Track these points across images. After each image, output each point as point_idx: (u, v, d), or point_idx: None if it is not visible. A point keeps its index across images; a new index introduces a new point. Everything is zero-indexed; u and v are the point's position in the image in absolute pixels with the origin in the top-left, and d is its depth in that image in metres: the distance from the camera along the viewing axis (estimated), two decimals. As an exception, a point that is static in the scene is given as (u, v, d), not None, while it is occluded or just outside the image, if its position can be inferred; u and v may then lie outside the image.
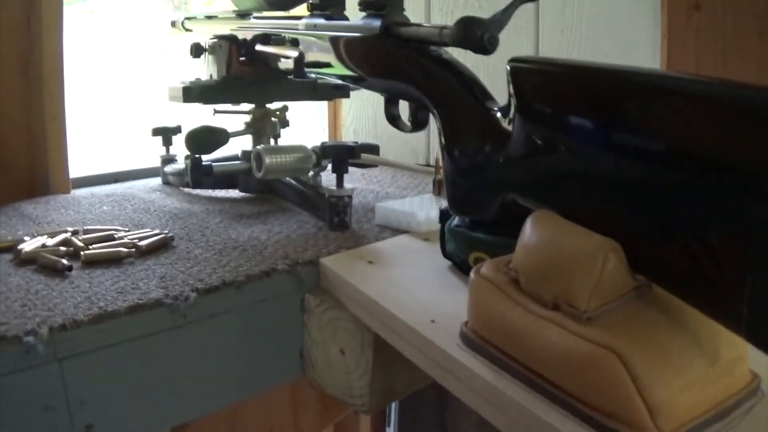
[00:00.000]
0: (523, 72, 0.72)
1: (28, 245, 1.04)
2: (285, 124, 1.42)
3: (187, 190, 1.48)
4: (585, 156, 0.66)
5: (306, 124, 2.11)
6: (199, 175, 1.28)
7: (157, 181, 1.62)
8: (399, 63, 0.89)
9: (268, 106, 1.39)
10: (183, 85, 1.29)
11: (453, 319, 0.78)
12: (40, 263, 0.98)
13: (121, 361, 0.83)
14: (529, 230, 0.68)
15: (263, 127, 1.39)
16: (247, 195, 1.42)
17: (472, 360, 0.71)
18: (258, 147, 1.12)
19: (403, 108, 0.99)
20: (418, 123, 0.96)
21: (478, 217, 0.84)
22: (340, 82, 1.10)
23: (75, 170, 1.58)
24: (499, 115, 0.77)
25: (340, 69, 1.02)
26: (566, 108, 0.68)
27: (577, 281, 0.63)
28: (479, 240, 0.88)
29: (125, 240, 1.05)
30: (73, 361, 0.79)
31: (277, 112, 1.40)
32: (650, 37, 1.39)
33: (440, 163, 1.22)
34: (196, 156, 1.28)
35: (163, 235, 1.07)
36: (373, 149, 1.36)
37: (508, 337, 0.68)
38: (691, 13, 1.36)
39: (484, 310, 0.71)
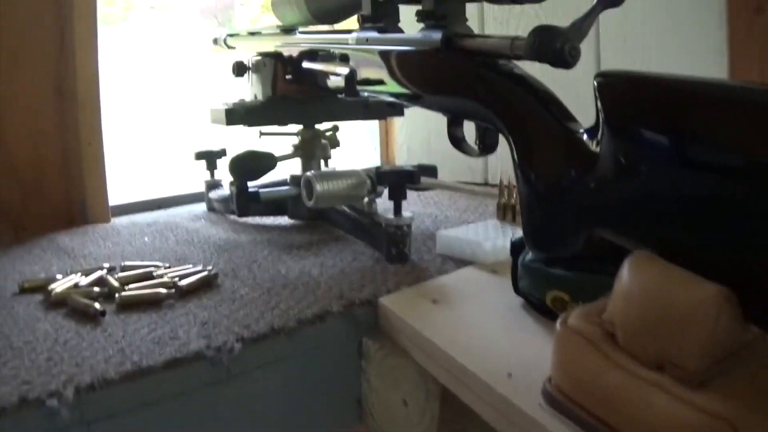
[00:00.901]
0: (614, 87, 0.62)
1: (60, 285, 0.96)
2: (335, 145, 1.33)
3: (233, 217, 1.39)
4: (690, 182, 0.55)
5: (356, 144, 2.03)
6: (245, 203, 1.20)
7: (202, 207, 1.54)
8: (464, 79, 0.79)
9: (317, 126, 1.30)
10: (226, 107, 1.21)
11: (532, 372, 0.67)
12: (71, 306, 0.91)
13: (155, 422, 0.74)
14: (627, 276, 0.58)
15: (312, 149, 1.30)
16: (297, 222, 1.32)
17: (558, 424, 0.61)
18: (308, 173, 1.03)
19: (467, 128, 0.89)
20: (487, 146, 0.85)
21: (559, 254, 0.73)
22: (393, 100, 0.99)
23: (117, 196, 1.51)
24: (584, 137, 0.67)
25: (394, 86, 0.92)
26: (665, 126, 0.57)
27: (687, 338, 0.52)
28: (558, 277, 0.77)
29: (165, 279, 0.97)
30: (102, 424, 0.70)
31: (328, 133, 1.31)
32: (716, 42, 1.29)
33: (504, 184, 1.13)
34: (242, 183, 1.19)
35: (206, 273, 0.98)
36: (431, 171, 1.27)
37: (602, 400, 0.58)
38: (753, 17, 1.26)
39: (572, 367, 0.61)
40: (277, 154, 1.24)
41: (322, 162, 1.32)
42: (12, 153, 1.37)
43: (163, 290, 0.92)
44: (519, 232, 1.05)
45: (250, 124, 1.23)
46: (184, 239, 1.25)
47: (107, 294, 0.94)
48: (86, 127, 1.43)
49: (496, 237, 1.05)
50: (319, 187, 1.01)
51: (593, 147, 0.65)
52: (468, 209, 1.43)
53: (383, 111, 1.28)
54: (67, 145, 1.43)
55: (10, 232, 1.37)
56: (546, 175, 0.70)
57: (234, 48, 1.51)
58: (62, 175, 1.43)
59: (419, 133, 1.82)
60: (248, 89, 1.28)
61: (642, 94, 0.61)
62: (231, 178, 1.22)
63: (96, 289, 0.94)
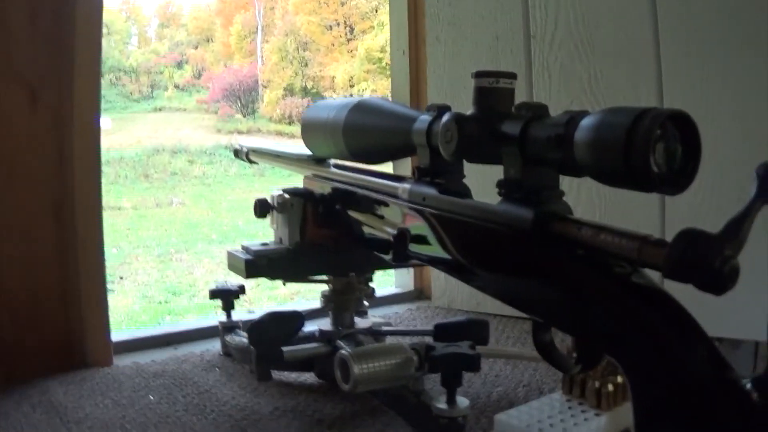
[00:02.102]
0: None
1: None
2: (370, 296, 1.15)
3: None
4: None
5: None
6: (265, 368, 1.01)
7: (216, 345, 1.36)
8: (557, 277, 0.59)
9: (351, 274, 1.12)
10: (245, 257, 1.03)
11: None
12: None
13: None
14: None
15: (346, 302, 1.12)
16: (325, 383, 1.14)
17: None
18: (342, 352, 0.85)
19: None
20: (589, 360, 0.65)
21: None
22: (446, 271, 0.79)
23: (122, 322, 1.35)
24: (748, 386, 0.48)
25: (453, 261, 0.74)
26: None
27: None
28: None
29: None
30: None
31: (364, 285, 1.13)
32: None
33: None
34: (262, 347, 1.01)
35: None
36: (482, 327, 1.09)
37: None
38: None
39: None
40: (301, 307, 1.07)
41: (356, 317, 1.14)
42: (4, 280, 1.22)
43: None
44: (591, 416, 0.89)
45: (274, 277, 1.05)
46: (194, 404, 1.07)
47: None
48: (86, 257, 1.28)
49: (565, 422, 0.87)
50: (356, 369, 0.83)
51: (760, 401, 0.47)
52: (521, 363, 1.24)
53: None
54: (66, 276, 1.28)
55: (1, 368, 1.20)
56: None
57: (256, 163, 1.35)
58: (59, 309, 1.28)
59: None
60: (272, 231, 1.11)
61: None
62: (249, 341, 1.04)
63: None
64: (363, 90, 15.14)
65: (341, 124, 0.94)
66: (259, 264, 1.03)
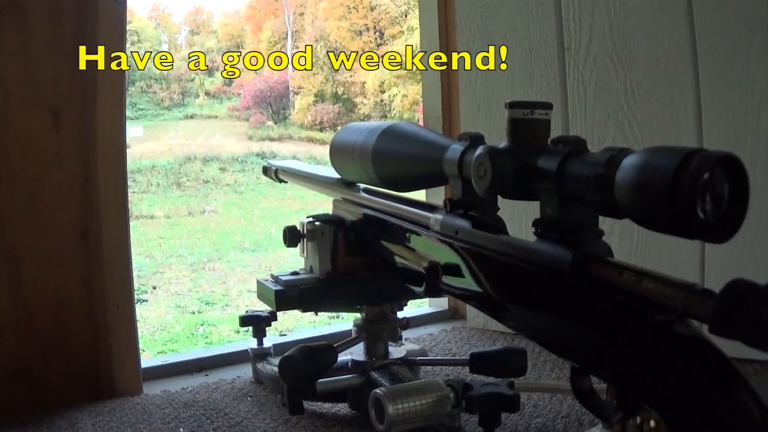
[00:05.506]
0: None
1: None
2: (406, 326, 1.11)
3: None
4: None
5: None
6: (297, 402, 0.98)
7: (247, 371, 1.34)
8: (595, 322, 0.56)
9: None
10: (275, 288, 1.00)
11: None
12: None
13: None
14: None
15: (379, 332, 1.08)
16: (359, 413, 1.10)
17: None
18: (377, 391, 0.82)
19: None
20: (630, 408, 0.62)
21: None
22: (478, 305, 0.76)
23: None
24: None
25: (487, 296, 0.70)
26: None
27: None
28: None
29: None
30: None
31: (397, 314, 1.09)
32: None
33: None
34: (293, 382, 0.97)
35: None
36: (519, 356, 1.05)
37: None
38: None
39: None
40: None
41: (389, 345, 1.11)
42: (31, 308, 1.20)
43: None
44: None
45: (306, 310, 1.02)
46: (224, 437, 1.04)
47: None
48: (114, 286, 1.25)
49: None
50: (391, 409, 0.80)
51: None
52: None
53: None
54: (93, 304, 1.25)
55: (28, 397, 1.19)
56: None
57: (285, 182, 1.32)
58: (87, 336, 1.25)
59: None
60: (303, 260, 1.08)
61: None
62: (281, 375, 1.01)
63: None
64: (394, 95, 15.14)
65: (370, 149, 0.90)
66: (290, 295, 1.00)
